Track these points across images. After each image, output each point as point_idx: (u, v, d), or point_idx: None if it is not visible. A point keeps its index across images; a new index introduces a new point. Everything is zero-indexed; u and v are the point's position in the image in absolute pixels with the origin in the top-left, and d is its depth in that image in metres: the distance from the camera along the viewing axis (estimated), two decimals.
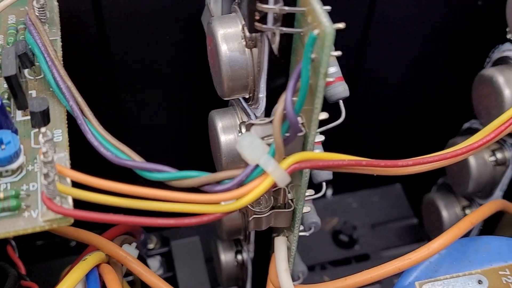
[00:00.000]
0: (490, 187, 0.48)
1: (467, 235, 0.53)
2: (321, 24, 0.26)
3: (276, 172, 0.29)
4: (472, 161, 0.47)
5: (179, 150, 0.52)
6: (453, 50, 0.50)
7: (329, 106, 0.36)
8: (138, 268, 0.38)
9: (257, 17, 0.29)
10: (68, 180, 0.29)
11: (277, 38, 0.29)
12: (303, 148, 0.31)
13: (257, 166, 0.29)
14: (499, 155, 0.46)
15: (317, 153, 0.30)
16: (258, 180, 0.29)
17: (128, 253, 0.39)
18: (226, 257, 0.51)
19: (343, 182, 0.63)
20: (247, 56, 0.33)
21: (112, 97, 0.46)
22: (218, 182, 0.30)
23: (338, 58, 0.48)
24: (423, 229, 0.60)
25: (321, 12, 0.26)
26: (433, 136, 0.50)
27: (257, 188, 0.29)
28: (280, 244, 0.39)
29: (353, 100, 0.53)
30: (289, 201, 0.36)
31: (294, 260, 0.51)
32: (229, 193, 0.29)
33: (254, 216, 0.36)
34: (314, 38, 0.27)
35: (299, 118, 0.30)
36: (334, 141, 0.57)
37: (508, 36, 0.41)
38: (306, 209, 0.39)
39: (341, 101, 0.36)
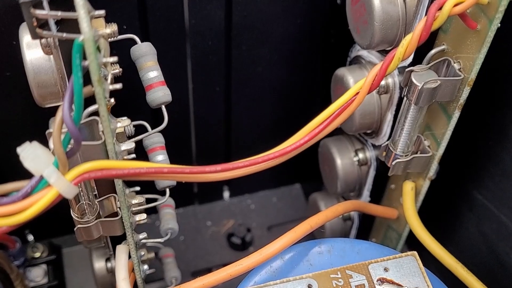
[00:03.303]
0: (359, 187, 0.48)
1: (347, 235, 0.53)
2: (82, 30, 0.25)
3: (60, 183, 0.28)
4: (338, 161, 0.47)
5: None
6: (318, 48, 0.50)
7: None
8: None
9: (34, 24, 0.28)
10: None
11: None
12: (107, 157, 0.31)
13: (42, 177, 0.28)
14: (361, 155, 0.46)
15: (111, 162, 0.29)
16: (43, 192, 0.28)
17: None
18: (99, 264, 0.50)
19: (242, 183, 0.63)
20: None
21: None
22: (6, 194, 0.29)
23: (207, 65, 0.49)
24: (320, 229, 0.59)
25: (83, 17, 0.25)
26: None
27: (41, 200, 0.28)
28: (120, 253, 0.39)
29: (231, 101, 0.53)
30: (118, 209, 0.36)
31: (168, 266, 0.51)
32: (12, 206, 0.28)
33: (79, 226, 0.35)
34: (78, 45, 0.26)
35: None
36: (222, 146, 0.57)
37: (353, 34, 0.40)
38: (141, 217, 0.38)
39: (163, 106, 0.36)
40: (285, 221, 0.63)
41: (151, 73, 0.35)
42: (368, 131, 0.44)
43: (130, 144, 0.33)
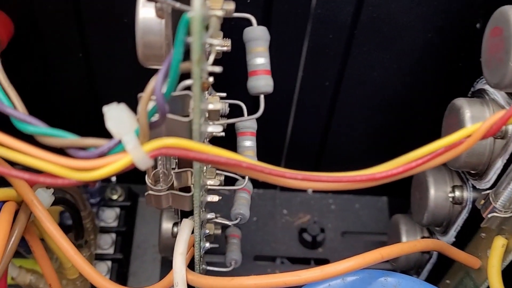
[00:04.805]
0: (446, 225, 0.45)
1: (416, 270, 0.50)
2: (193, 7, 0.24)
3: (135, 152, 0.27)
4: (432, 192, 0.44)
5: None
6: (443, 69, 0.46)
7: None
8: (39, 213, 0.37)
9: None
10: None
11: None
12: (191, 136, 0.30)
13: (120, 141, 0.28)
14: (457, 193, 0.43)
15: (192, 143, 0.28)
16: (117, 156, 0.27)
17: (35, 196, 0.38)
18: (166, 226, 0.50)
19: None
20: None
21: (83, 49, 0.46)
22: (85, 148, 0.28)
23: (322, 58, 0.47)
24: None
25: None
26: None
27: (113, 164, 0.27)
28: (184, 227, 0.38)
29: (337, 99, 0.51)
30: (192, 185, 0.35)
31: (231, 247, 0.50)
32: (86, 162, 0.28)
33: (150, 192, 0.35)
34: (186, 21, 0.25)
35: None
36: (316, 144, 0.55)
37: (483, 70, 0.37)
38: (213, 198, 0.37)
39: (262, 96, 0.34)
40: (361, 231, 0.61)
41: (258, 59, 0.33)
42: (472, 172, 0.41)
43: (217, 127, 0.32)
